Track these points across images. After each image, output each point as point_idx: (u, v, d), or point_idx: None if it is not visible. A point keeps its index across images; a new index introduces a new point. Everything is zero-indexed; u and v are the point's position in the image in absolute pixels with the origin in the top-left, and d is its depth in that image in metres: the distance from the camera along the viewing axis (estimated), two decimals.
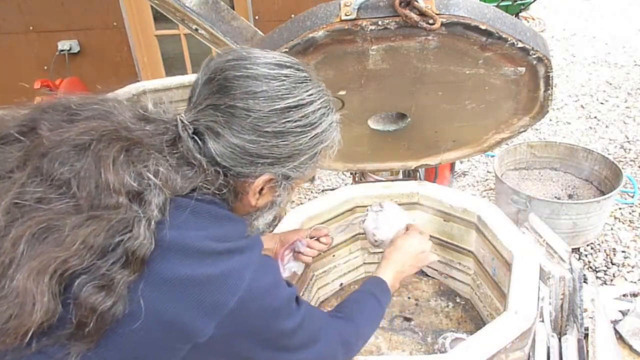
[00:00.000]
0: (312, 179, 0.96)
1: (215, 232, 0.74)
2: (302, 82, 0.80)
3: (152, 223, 0.68)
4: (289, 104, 0.77)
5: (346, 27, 1.10)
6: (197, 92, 0.80)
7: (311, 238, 1.35)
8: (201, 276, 0.69)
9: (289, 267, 1.34)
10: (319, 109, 0.81)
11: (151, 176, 0.70)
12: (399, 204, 1.72)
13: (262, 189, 0.83)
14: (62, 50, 3.94)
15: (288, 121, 0.77)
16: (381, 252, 1.82)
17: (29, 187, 0.67)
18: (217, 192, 0.78)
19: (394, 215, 1.45)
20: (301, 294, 1.59)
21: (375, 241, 1.44)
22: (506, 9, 4.77)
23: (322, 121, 0.82)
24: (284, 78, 0.78)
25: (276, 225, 0.98)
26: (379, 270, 1.20)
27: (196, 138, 0.77)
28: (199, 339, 0.69)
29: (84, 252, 0.64)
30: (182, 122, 0.77)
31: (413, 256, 1.27)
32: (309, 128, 0.80)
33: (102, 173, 0.68)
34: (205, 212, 0.75)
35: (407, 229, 1.36)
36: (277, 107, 0.76)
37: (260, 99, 0.76)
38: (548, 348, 1.44)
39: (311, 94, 0.80)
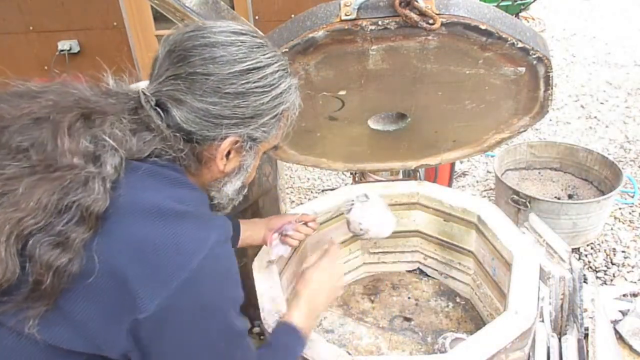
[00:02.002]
0: (276, 147, 1.00)
1: (172, 194, 0.77)
2: (258, 47, 0.83)
3: (107, 182, 0.71)
4: (247, 67, 0.80)
5: (346, 27, 1.10)
6: (158, 65, 0.83)
7: (298, 223, 1.37)
8: (154, 237, 0.71)
9: (276, 251, 1.35)
10: (277, 71, 0.84)
11: (106, 137, 0.74)
12: (399, 204, 1.73)
13: (229, 153, 0.85)
14: (62, 50, 3.94)
15: (247, 82, 0.80)
16: (382, 252, 1.82)
17: None
18: (178, 158, 0.81)
19: (380, 204, 1.47)
20: None
21: (361, 229, 1.44)
22: (506, 9, 4.76)
23: (281, 83, 0.85)
24: (241, 43, 0.81)
25: (241, 196, 0.98)
26: (290, 312, 1.11)
27: (159, 109, 0.80)
28: (139, 314, 0.69)
29: (38, 211, 0.66)
30: (144, 94, 0.81)
31: (326, 292, 1.17)
32: (268, 89, 0.83)
33: (58, 137, 0.71)
34: (160, 174, 0.78)
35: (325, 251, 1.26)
36: (235, 69, 0.79)
37: (219, 63, 0.79)
38: (548, 348, 1.44)
39: (268, 57, 0.83)
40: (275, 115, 0.86)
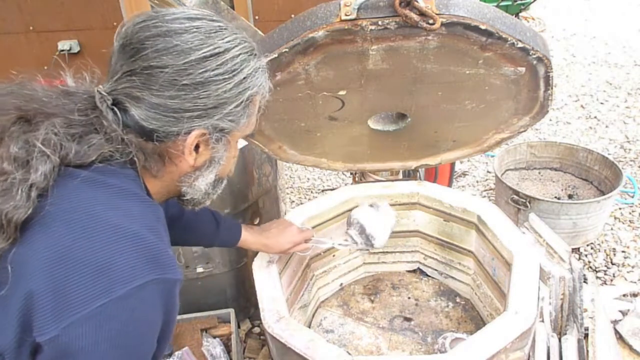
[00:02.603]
0: (252, 134, 0.94)
1: (112, 205, 0.71)
2: (216, 32, 0.77)
3: (34, 189, 0.67)
4: (204, 54, 0.75)
5: (346, 27, 1.10)
6: (113, 61, 0.78)
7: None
8: (76, 251, 0.65)
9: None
10: (238, 55, 0.78)
11: (37, 142, 0.69)
12: (399, 204, 1.73)
13: (197, 146, 0.81)
14: (62, 50, 3.94)
15: (205, 71, 0.75)
16: (382, 252, 1.82)
17: None
18: (134, 160, 0.77)
19: (390, 215, 1.47)
20: (301, 295, 1.60)
21: (362, 233, 1.44)
22: (506, 9, 4.77)
23: (244, 67, 0.79)
24: (196, 30, 0.76)
25: (219, 189, 0.94)
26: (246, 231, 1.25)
27: (115, 109, 0.75)
28: (38, 335, 0.62)
29: None
30: (100, 93, 0.76)
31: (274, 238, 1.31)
32: (229, 75, 0.77)
33: None
34: (102, 183, 0.73)
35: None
36: (191, 58, 0.74)
37: (173, 53, 0.73)
38: (548, 348, 1.44)
39: (228, 41, 0.78)
40: (242, 102, 0.80)
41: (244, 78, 0.79)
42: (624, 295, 2.22)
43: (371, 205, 1.48)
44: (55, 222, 0.67)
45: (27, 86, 0.77)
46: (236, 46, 0.78)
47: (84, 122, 0.74)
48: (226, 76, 0.77)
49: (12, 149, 0.68)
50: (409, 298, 1.71)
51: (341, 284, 1.78)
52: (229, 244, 1.32)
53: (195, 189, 0.87)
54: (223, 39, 0.77)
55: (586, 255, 2.50)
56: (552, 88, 1.30)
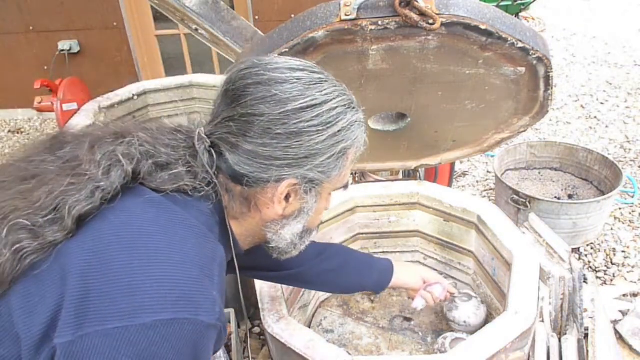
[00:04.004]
0: (346, 186, 0.91)
1: (167, 229, 0.70)
2: (316, 84, 0.78)
3: (99, 190, 0.69)
4: (301, 105, 0.75)
5: (346, 27, 1.10)
6: (217, 105, 0.81)
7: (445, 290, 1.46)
8: (116, 261, 0.64)
9: (416, 303, 1.42)
10: (335, 108, 0.78)
11: (119, 155, 0.72)
12: (399, 204, 1.73)
13: (288, 196, 0.81)
14: (62, 50, 3.94)
15: (300, 121, 0.75)
16: (382, 252, 1.82)
17: (47, 159, 0.75)
18: (216, 198, 0.78)
19: (479, 303, 1.53)
20: (301, 295, 1.60)
21: (465, 323, 1.51)
22: (506, 9, 4.76)
23: (339, 120, 0.79)
24: (296, 80, 0.77)
25: (308, 240, 0.93)
26: None
27: (212, 151, 0.78)
28: (55, 337, 0.60)
29: (35, 204, 0.68)
30: (200, 135, 0.79)
31: None
32: (324, 127, 0.77)
33: (89, 148, 0.73)
34: (167, 208, 0.73)
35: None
36: (288, 108, 0.75)
37: (271, 102, 0.75)
38: (548, 348, 1.44)
39: (326, 94, 0.78)
40: (334, 155, 0.80)
41: (339, 131, 0.79)
42: (624, 295, 2.22)
43: (465, 300, 1.53)
44: (108, 230, 0.68)
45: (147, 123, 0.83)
46: (334, 99, 0.79)
47: (174, 156, 0.77)
48: (320, 128, 0.77)
49: (97, 155, 0.72)
50: (409, 298, 1.71)
51: None
52: (383, 283, 1.35)
53: (280, 237, 0.87)
54: (321, 91, 0.78)
55: (586, 255, 2.50)
56: (552, 88, 1.30)
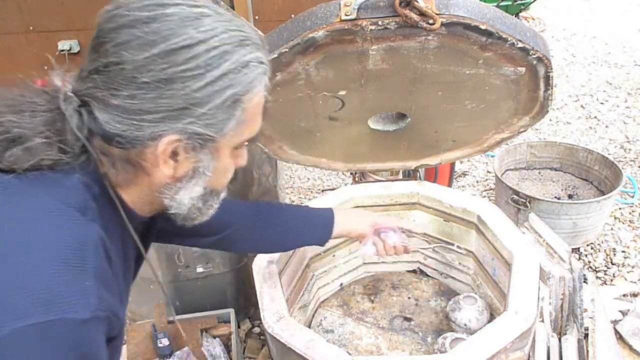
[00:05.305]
0: (253, 139, 0.79)
1: (16, 224, 0.62)
2: (192, 20, 0.66)
3: None
4: (171, 46, 0.64)
5: (346, 27, 1.10)
6: (85, 57, 0.70)
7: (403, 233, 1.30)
8: None
9: (364, 250, 1.28)
10: (217, 47, 0.66)
11: None
12: (399, 204, 1.73)
13: (176, 155, 0.70)
14: (62, 50, 3.94)
15: (170, 66, 0.64)
16: None
17: None
18: (90, 169, 0.68)
19: (483, 308, 1.52)
20: (301, 295, 1.60)
21: (465, 326, 1.50)
22: (506, 9, 4.76)
23: (224, 61, 0.66)
24: (166, 18, 0.65)
25: (215, 202, 0.83)
26: None
27: (82, 111, 0.67)
28: None
29: None
30: (66, 94, 0.68)
31: None
32: (201, 71, 0.65)
33: None
34: (18, 193, 0.65)
35: None
36: (154, 52, 0.63)
37: (135, 47, 0.64)
38: (548, 348, 1.44)
39: (206, 31, 0.65)
40: (222, 104, 0.68)
41: (223, 74, 0.67)
42: (624, 295, 2.22)
43: (471, 304, 1.52)
44: None
45: (10, 88, 0.72)
46: (216, 36, 0.66)
47: (29, 126, 0.66)
48: (196, 72, 0.65)
49: None
50: (409, 298, 1.71)
51: (341, 284, 1.78)
52: (324, 232, 1.23)
53: (178, 202, 0.76)
54: (198, 28, 0.65)
55: (586, 255, 2.50)
56: (552, 88, 1.30)
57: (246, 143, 0.80)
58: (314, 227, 1.24)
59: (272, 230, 1.18)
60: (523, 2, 5.05)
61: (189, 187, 0.75)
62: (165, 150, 0.68)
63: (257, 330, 2.18)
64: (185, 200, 0.76)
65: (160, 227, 0.94)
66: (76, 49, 4.00)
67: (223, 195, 0.85)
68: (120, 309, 0.68)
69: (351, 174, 2.05)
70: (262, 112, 0.78)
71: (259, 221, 1.16)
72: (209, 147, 0.71)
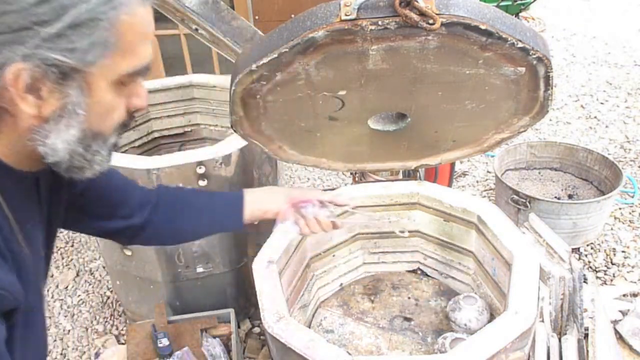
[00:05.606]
0: (142, 71, 0.68)
1: None
2: None
3: None
4: None
5: (346, 27, 1.10)
6: None
7: (325, 205, 1.16)
8: None
9: (283, 229, 1.16)
10: None
11: None
12: (399, 204, 1.73)
13: (37, 90, 0.60)
14: None
15: None
16: (382, 252, 1.82)
17: None
18: None
19: (483, 308, 1.51)
20: (301, 295, 1.60)
21: (465, 326, 1.49)
22: (506, 9, 4.76)
23: None
24: None
25: (102, 148, 0.71)
26: None
27: None
28: None
29: None
30: None
31: None
32: None
33: None
34: None
35: None
36: None
37: None
38: (548, 348, 1.44)
39: None
40: (78, 23, 0.58)
41: None
42: (624, 295, 2.22)
43: (470, 304, 1.51)
44: None
45: None
46: None
47: None
48: None
49: None
50: (409, 298, 1.71)
51: (341, 284, 1.78)
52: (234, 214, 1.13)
53: (51, 147, 0.65)
54: None
55: (586, 255, 2.50)
56: (552, 88, 1.30)
57: (138, 79, 0.69)
58: (223, 210, 1.14)
59: (178, 219, 1.09)
60: (523, 2, 5.05)
61: (61, 130, 0.64)
62: (15, 82, 0.58)
63: (257, 330, 2.18)
64: (59, 145, 0.65)
65: (71, 201, 0.86)
66: None
67: (113, 140, 0.73)
68: (8, 280, 0.63)
69: (351, 174, 2.05)
70: (148, 38, 0.67)
71: (162, 209, 1.08)
72: (76, 80, 0.62)
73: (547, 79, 1.26)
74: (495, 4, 3.34)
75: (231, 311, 1.89)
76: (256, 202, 1.15)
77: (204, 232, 1.23)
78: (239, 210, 1.14)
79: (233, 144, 1.82)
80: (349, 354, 1.14)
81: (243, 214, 1.14)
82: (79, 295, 2.51)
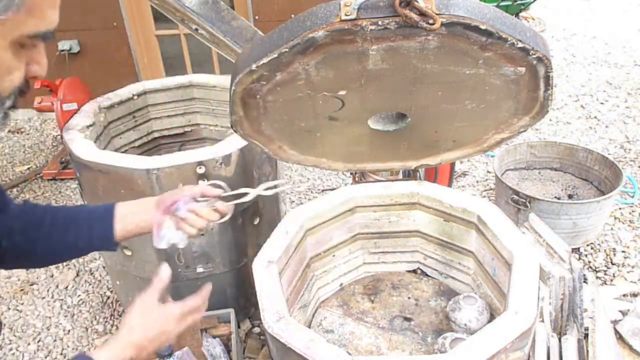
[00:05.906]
0: (42, 37, 0.66)
1: None
2: None
3: None
4: None
5: (346, 27, 1.10)
6: None
7: (199, 200, 1.06)
8: None
9: (166, 237, 1.04)
10: None
11: None
12: (399, 204, 1.73)
13: None
14: (62, 50, 3.93)
15: None
16: (382, 252, 1.82)
17: None
18: None
19: (483, 308, 1.51)
20: (301, 295, 1.60)
21: (465, 326, 1.49)
22: (506, 9, 4.76)
23: None
24: None
25: (4, 116, 0.68)
26: (104, 349, 0.87)
27: None
28: None
29: None
30: None
31: (154, 340, 0.94)
32: None
33: None
34: None
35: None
36: None
37: None
38: (548, 348, 1.44)
39: None
40: None
41: None
42: (624, 295, 2.22)
43: (469, 304, 1.51)
44: None
45: None
46: None
47: None
48: None
49: None
50: (409, 298, 1.71)
51: (341, 284, 1.78)
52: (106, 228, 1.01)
53: None
54: None
55: (586, 255, 2.50)
56: (552, 88, 1.30)
57: (39, 44, 0.66)
58: (90, 225, 1.02)
59: (41, 239, 0.98)
60: (523, 2, 5.05)
61: None
62: None
63: (257, 330, 2.18)
64: None
65: None
66: (76, 49, 4.00)
67: (9, 103, 0.69)
68: None
69: (351, 174, 2.05)
70: (56, 3, 0.64)
71: (26, 230, 0.97)
72: None
73: (547, 79, 1.26)
74: (495, 4, 3.34)
75: (231, 311, 1.89)
76: (128, 216, 1.04)
77: (69, 254, 1.11)
78: (109, 226, 1.02)
79: (233, 144, 1.82)
80: (349, 354, 1.14)
81: (114, 231, 1.03)
82: (79, 295, 2.51)
